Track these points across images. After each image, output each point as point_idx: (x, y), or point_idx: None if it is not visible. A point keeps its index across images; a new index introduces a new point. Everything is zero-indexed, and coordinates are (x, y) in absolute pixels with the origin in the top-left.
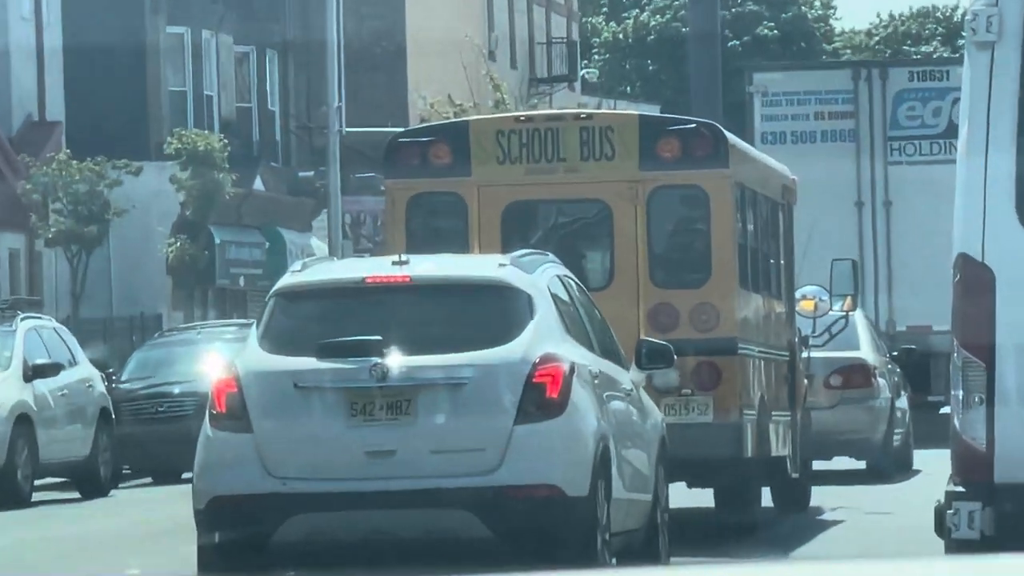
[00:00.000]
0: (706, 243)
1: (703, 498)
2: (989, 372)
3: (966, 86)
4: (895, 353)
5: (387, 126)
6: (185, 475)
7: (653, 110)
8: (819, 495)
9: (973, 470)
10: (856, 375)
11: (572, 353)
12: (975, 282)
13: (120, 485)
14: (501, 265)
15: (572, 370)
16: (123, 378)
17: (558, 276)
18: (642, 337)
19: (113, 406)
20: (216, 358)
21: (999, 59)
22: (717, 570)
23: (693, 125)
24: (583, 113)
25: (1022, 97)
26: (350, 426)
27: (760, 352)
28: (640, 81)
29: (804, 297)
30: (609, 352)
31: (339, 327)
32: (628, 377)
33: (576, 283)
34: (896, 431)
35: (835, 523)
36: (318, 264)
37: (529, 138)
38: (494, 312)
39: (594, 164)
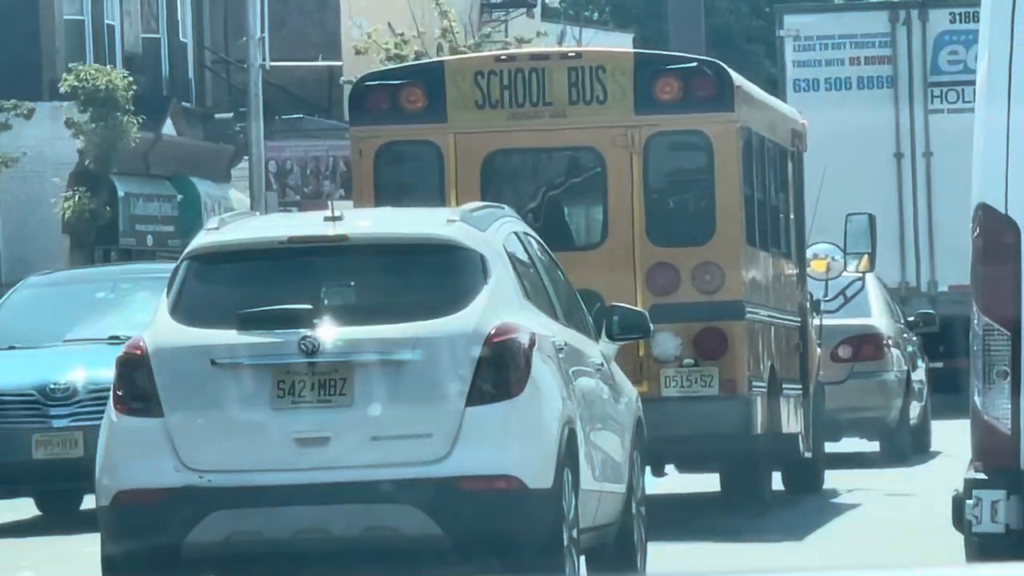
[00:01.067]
0: (709, 195)
1: (696, 483)
2: (1014, 341)
3: (985, 15)
4: (911, 319)
5: (317, 60)
6: None
7: (625, 39)
8: (831, 478)
9: (996, 454)
10: (867, 345)
11: (533, 322)
12: (997, 237)
13: None
14: (450, 221)
15: (533, 342)
16: None
17: (516, 233)
18: (613, 303)
19: None
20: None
21: None
22: None
23: (695, 64)
24: (571, 51)
25: None
26: (276, 409)
27: (769, 317)
28: (610, 6)
29: (815, 257)
30: (575, 321)
31: (263, 294)
32: (597, 350)
33: (537, 240)
34: (912, 407)
35: (852, 507)
36: (238, 221)
37: (511, 80)
38: (442, 276)
39: (584, 108)
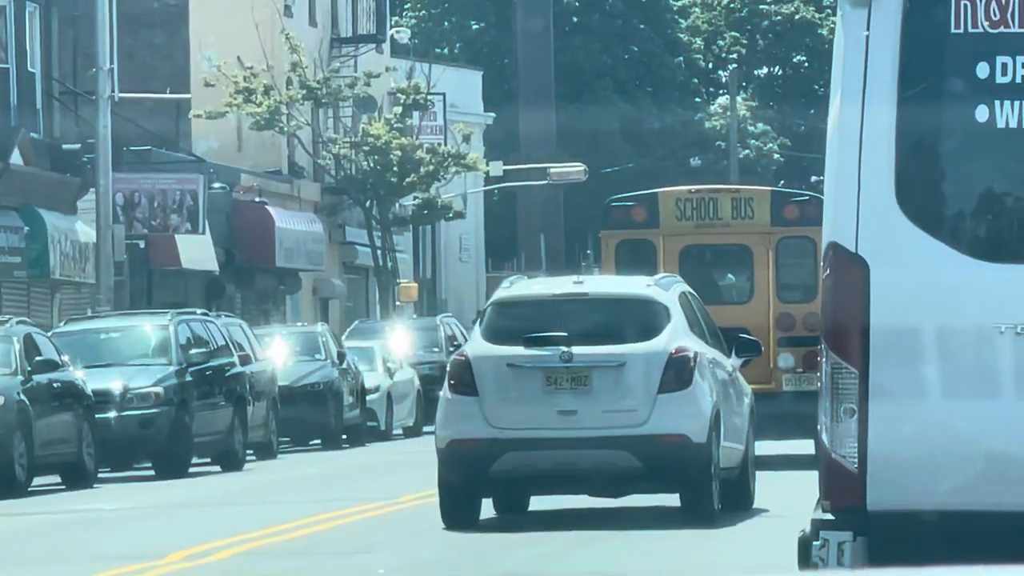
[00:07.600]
0: (814, 273)
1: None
2: (862, 380)
3: (838, 51)
4: None
5: (166, 92)
6: None
7: (475, 76)
8: None
9: (843, 494)
10: None
11: (695, 345)
12: (846, 276)
13: None
14: (648, 285)
15: (696, 357)
16: None
17: (684, 291)
18: (740, 335)
19: None
20: None
21: (877, 21)
22: None
23: (808, 197)
24: (734, 188)
25: (903, 66)
26: (546, 393)
27: None
28: (460, 43)
29: None
30: (716, 344)
31: (538, 325)
32: (729, 363)
33: (693, 295)
34: None
35: None
36: (521, 283)
37: (698, 203)
38: (644, 317)
39: (741, 222)
